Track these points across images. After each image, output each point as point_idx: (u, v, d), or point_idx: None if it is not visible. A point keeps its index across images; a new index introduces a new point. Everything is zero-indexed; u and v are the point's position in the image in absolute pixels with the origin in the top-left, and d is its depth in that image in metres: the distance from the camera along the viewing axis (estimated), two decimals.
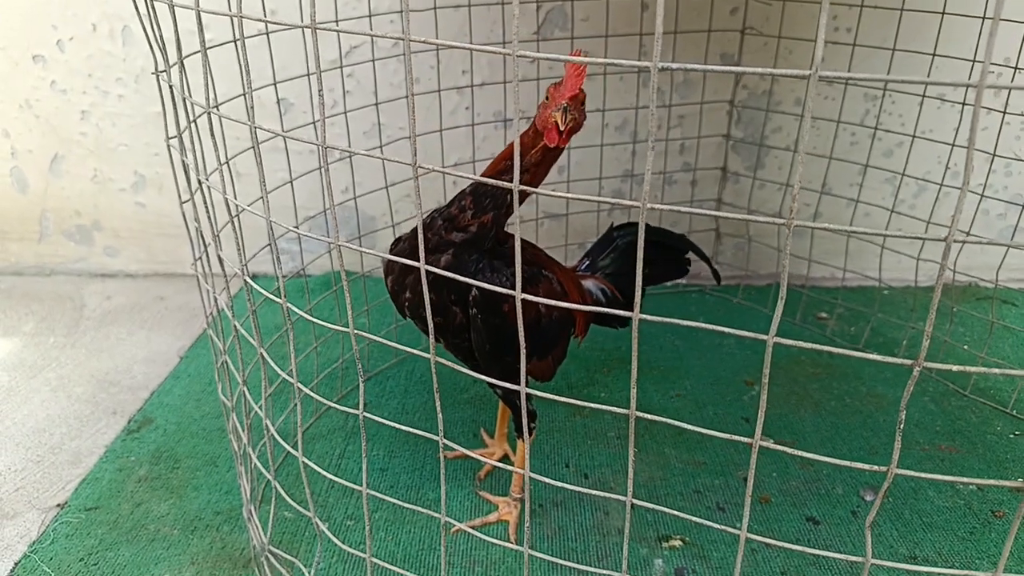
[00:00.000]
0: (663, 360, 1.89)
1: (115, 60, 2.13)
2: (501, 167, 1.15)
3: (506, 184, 0.63)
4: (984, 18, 1.62)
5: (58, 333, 2.02)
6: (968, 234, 1.72)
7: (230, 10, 0.79)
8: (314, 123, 1.58)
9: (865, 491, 1.44)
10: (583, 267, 1.55)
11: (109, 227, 2.35)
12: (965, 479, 0.52)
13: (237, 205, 0.87)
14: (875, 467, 0.56)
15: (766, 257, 2.29)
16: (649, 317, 0.56)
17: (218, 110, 1.13)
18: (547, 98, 1.09)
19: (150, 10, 0.93)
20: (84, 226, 2.35)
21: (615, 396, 1.75)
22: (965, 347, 1.93)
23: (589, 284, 1.47)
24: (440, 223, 1.15)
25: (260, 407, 0.93)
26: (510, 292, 0.60)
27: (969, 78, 1.77)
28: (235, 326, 0.94)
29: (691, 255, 1.62)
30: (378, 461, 1.51)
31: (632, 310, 1.46)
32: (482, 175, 1.15)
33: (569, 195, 0.56)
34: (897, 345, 1.94)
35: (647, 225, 1.61)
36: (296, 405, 0.85)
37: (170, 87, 0.91)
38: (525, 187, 0.62)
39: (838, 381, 1.79)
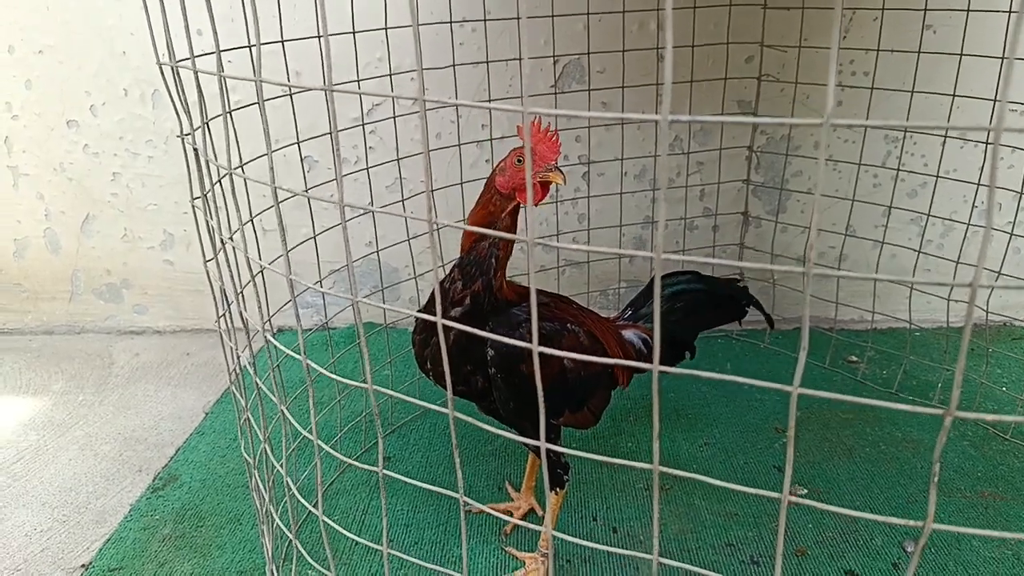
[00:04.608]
0: (691, 408, 1.86)
1: (145, 123, 2.19)
2: (476, 236, 1.18)
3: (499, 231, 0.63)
4: (1003, 58, 1.61)
5: (87, 391, 2.04)
6: (999, 274, 1.69)
7: (253, 75, 0.81)
8: (336, 180, 1.61)
9: (907, 542, 1.38)
10: (626, 316, 1.54)
11: (138, 285, 2.39)
12: (1009, 534, 0.50)
13: (260, 264, 0.88)
14: (910, 521, 0.53)
15: (791, 301, 2.26)
16: (669, 369, 0.55)
17: (243, 171, 1.16)
18: (507, 165, 1.18)
19: (176, 75, 0.96)
20: (114, 284, 2.39)
21: (642, 446, 1.72)
22: (1004, 389, 1.87)
23: (629, 334, 1.47)
24: (440, 299, 1.18)
25: (281, 464, 0.92)
26: (526, 345, 0.60)
27: (990, 118, 1.76)
28: (257, 383, 0.94)
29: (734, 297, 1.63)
30: (402, 516, 1.49)
31: (672, 359, 1.46)
32: (461, 247, 1.23)
33: (580, 247, 0.56)
34: (932, 388, 1.89)
35: (699, 275, 1.63)
36: (317, 463, 0.84)
37: (195, 150, 0.93)
38: (504, 235, 0.62)
39: (872, 426, 1.75)
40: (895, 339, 2.14)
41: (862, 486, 1.55)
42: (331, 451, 0.78)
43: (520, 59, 1.92)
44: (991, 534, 0.51)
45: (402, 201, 1.78)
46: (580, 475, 1.60)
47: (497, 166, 1.21)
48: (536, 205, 1.22)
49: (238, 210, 0.96)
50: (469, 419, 0.68)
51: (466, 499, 0.69)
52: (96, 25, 2.10)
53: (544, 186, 1.19)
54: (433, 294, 1.21)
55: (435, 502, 1.52)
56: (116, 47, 2.11)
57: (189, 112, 0.98)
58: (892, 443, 1.68)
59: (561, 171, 1.16)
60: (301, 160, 1.55)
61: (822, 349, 2.07)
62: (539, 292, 1.37)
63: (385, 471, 0.74)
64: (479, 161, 2.13)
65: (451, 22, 1.75)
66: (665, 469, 0.59)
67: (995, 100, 1.67)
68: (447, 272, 1.23)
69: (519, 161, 1.17)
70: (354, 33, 1.53)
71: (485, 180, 1.24)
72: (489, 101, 1.95)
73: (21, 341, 2.36)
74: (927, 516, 0.53)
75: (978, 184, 1.75)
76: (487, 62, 1.84)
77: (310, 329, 2.03)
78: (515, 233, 1.23)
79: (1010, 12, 1.59)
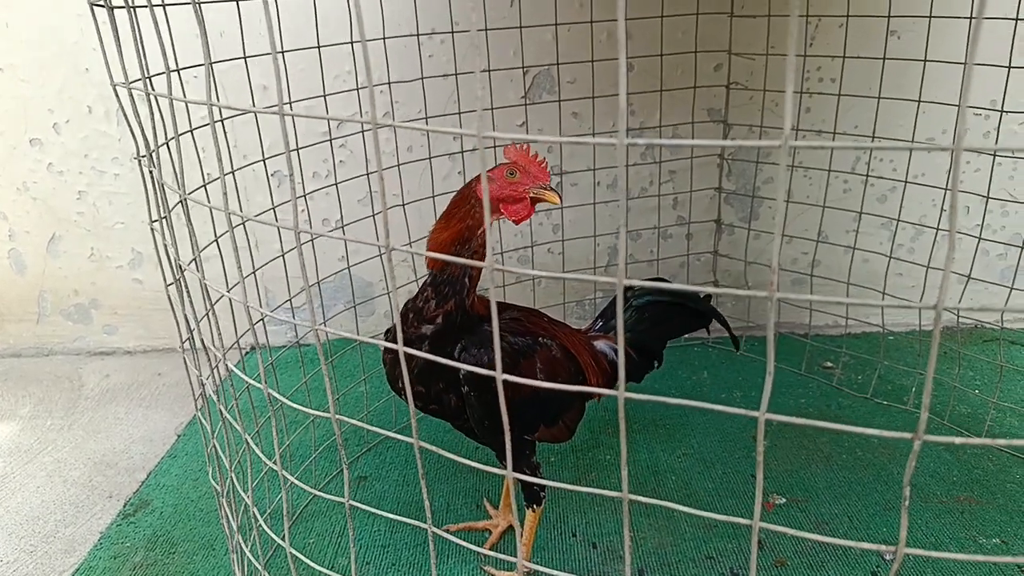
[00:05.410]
0: (669, 417, 1.85)
1: (110, 140, 2.15)
2: (451, 252, 1.16)
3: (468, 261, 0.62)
4: (966, 64, 1.63)
5: (56, 415, 2.00)
6: (969, 277, 1.70)
7: (207, 96, 0.79)
8: (305, 196, 1.59)
9: (885, 550, 1.38)
10: (597, 328, 1.54)
11: (107, 305, 2.35)
12: (991, 557, 0.49)
13: (221, 292, 0.85)
14: (882, 547, 0.52)
15: (766, 308, 2.27)
16: (634, 395, 0.54)
17: (206, 191, 1.13)
18: (496, 175, 1.19)
19: (130, 97, 0.93)
20: (82, 305, 2.35)
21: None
22: (976, 392, 1.88)
23: (602, 345, 1.46)
24: (411, 316, 1.17)
25: (248, 495, 0.90)
26: (490, 373, 0.58)
27: (955, 125, 1.78)
28: (221, 412, 0.92)
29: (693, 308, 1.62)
30: (380, 537, 1.46)
31: (644, 369, 1.44)
32: (427, 263, 1.22)
33: (542, 273, 0.55)
34: (906, 392, 1.90)
35: (666, 286, 1.63)
36: (284, 495, 0.82)
37: (150, 172, 0.91)
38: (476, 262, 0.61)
39: (848, 433, 1.75)
40: (869, 343, 2.15)
41: (840, 493, 1.55)
42: (296, 482, 0.76)
43: (485, 71, 1.91)
44: (964, 558, 0.51)
45: (372, 216, 1.76)
46: (559, 490, 1.58)
47: (475, 178, 1.20)
48: (519, 223, 1.23)
49: (195, 236, 0.94)
50: (434, 448, 0.67)
51: (434, 529, 0.67)
52: (58, 42, 2.06)
53: (533, 203, 1.20)
54: (404, 311, 1.19)
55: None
56: (79, 64, 2.08)
57: (144, 134, 0.95)
58: (869, 448, 1.69)
59: (557, 192, 1.17)
60: (268, 177, 1.52)
61: (797, 355, 2.08)
62: (510, 306, 1.36)
63: (352, 502, 0.72)
64: (451, 173, 2.12)
65: (418, 34, 1.74)
66: (635, 497, 0.58)
67: (960, 105, 1.68)
68: (419, 288, 1.22)
69: (511, 174, 1.16)
70: (319, 48, 1.51)
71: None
72: (458, 113, 1.94)
73: None
74: (899, 541, 0.52)
75: (945, 188, 1.76)
76: (456, 74, 1.83)
77: (283, 347, 2.00)
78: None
79: (971, 18, 1.60)
